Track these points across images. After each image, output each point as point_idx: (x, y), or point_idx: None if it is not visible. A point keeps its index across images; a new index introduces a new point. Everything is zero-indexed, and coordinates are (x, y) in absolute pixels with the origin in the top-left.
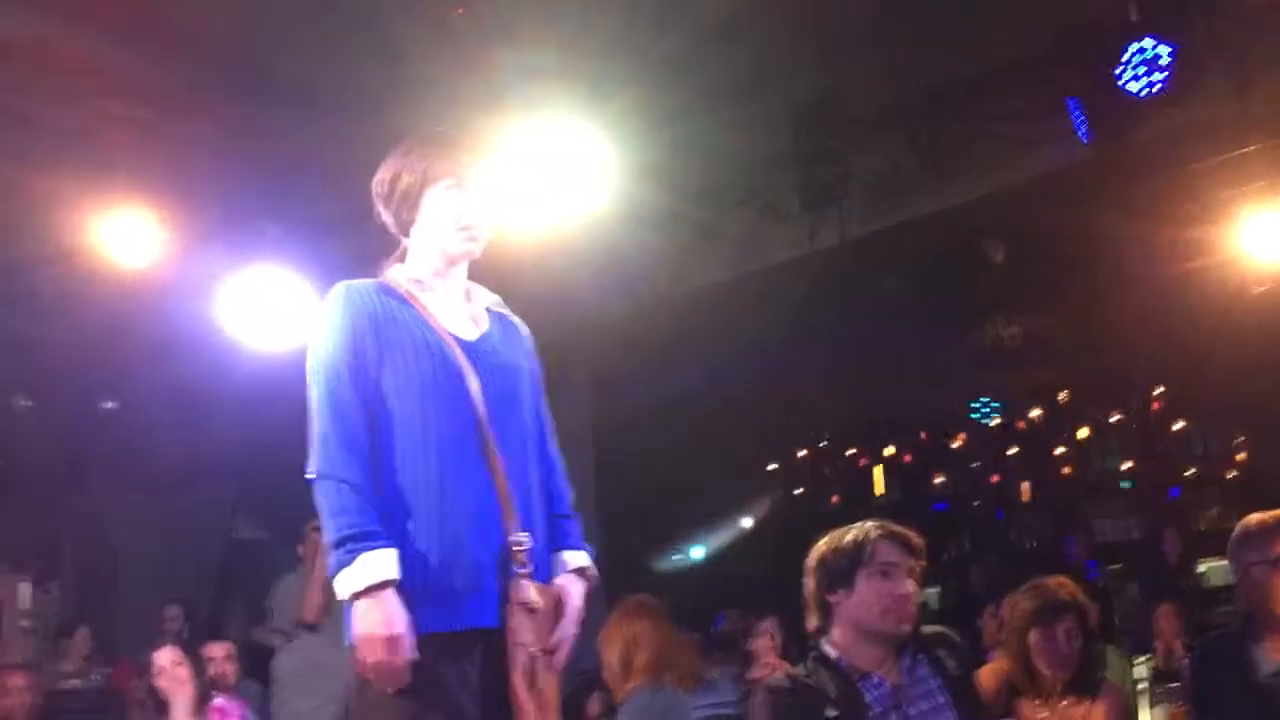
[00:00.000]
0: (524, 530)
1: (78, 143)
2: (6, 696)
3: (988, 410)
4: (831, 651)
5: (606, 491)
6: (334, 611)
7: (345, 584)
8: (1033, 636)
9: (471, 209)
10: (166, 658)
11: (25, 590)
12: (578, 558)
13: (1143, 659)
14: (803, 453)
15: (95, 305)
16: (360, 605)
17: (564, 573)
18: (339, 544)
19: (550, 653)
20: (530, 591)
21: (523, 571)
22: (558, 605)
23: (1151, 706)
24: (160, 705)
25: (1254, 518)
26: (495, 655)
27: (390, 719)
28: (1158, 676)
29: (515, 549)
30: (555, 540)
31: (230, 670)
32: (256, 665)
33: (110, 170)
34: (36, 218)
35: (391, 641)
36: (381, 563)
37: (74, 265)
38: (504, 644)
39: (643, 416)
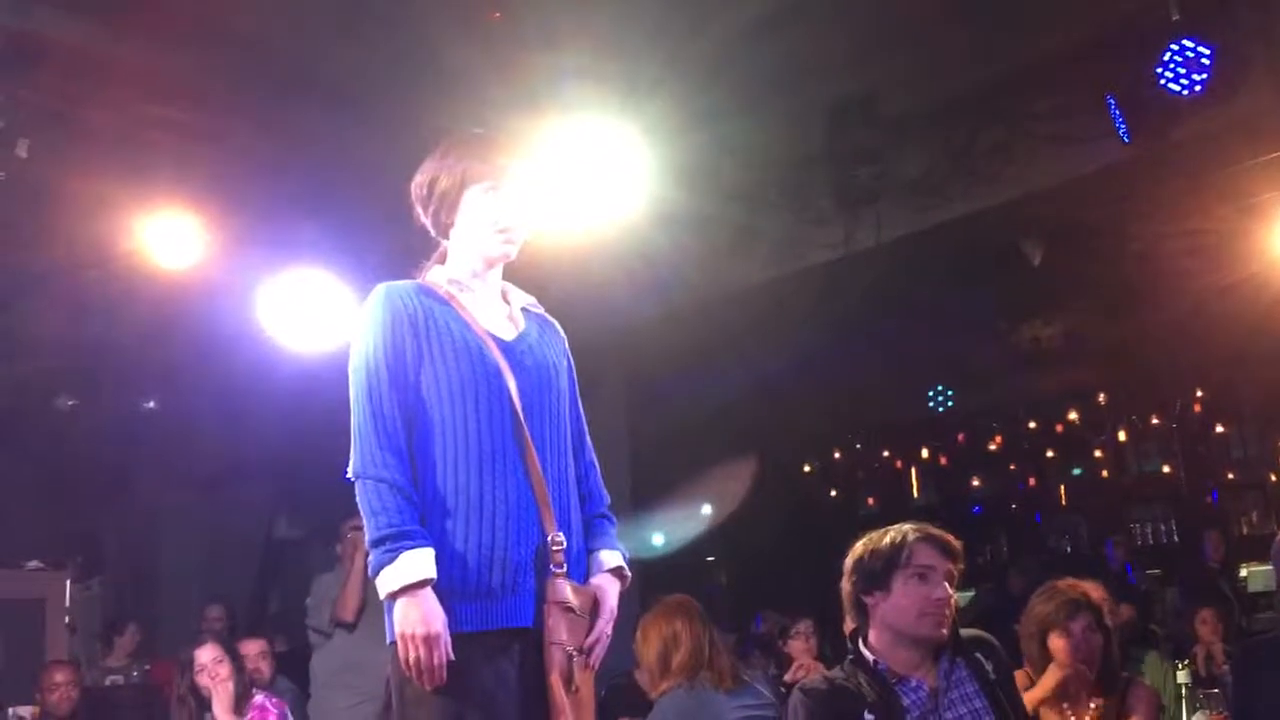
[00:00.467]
0: (560, 530)
1: (119, 146)
2: (51, 691)
3: (943, 399)
4: (869, 654)
5: (642, 492)
6: (371, 610)
7: (385, 582)
8: (1051, 639)
9: (508, 211)
10: (208, 655)
11: (67, 587)
12: (613, 557)
13: (1184, 664)
14: (838, 454)
15: (137, 307)
16: (399, 604)
17: (600, 572)
18: (378, 543)
19: (586, 652)
20: (567, 591)
21: (559, 571)
22: (594, 605)
23: (1190, 713)
24: (201, 702)
25: None
26: (532, 655)
27: (429, 716)
28: (1197, 681)
29: (553, 549)
30: (591, 540)
31: (264, 667)
32: (286, 664)
33: (151, 173)
34: (78, 220)
35: (429, 640)
36: (420, 562)
37: (116, 267)
38: (541, 643)
39: (677, 418)
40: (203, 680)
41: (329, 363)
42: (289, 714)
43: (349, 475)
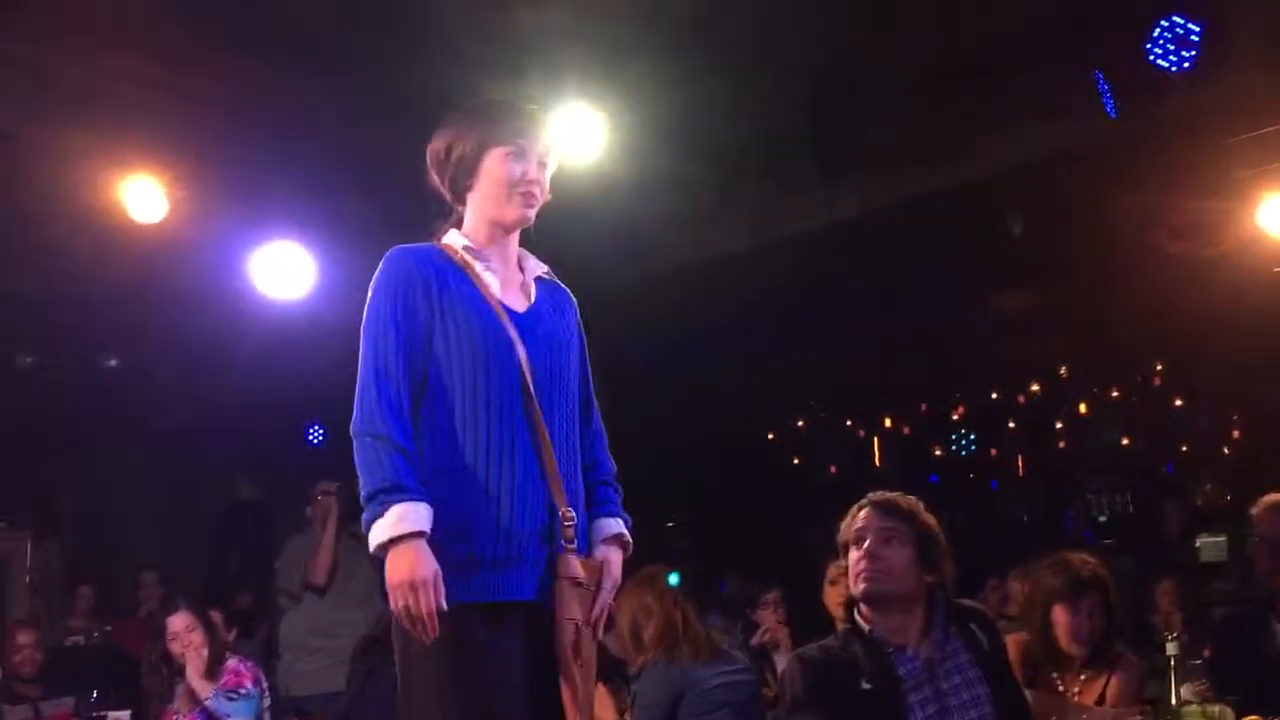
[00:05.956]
0: (569, 504)
1: (93, 99)
2: (16, 653)
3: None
4: (864, 623)
5: (616, 460)
6: (342, 574)
7: (375, 535)
8: (1056, 612)
9: (528, 174)
10: (180, 623)
11: (28, 547)
12: (615, 525)
13: (1172, 637)
14: (801, 422)
15: (105, 263)
16: (389, 555)
17: (603, 541)
18: (371, 498)
19: (593, 624)
20: (577, 566)
21: (570, 546)
22: (599, 576)
23: (1178, 684)
24: (173, 669)
25: (1277, 496)
26: (534, 627)
27: (431, 681)
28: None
29: (564, 524)
30: (595, 507)
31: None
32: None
33: (123, 127)
34: (46, 173)
35: (415, 585)
36: (412, 514)
37: (83, 222)
38: (542, 617)
39: (651, 384)
40: (175, 648)
41: (296, 323)
42: (262, 677)
43: (351, 432)
